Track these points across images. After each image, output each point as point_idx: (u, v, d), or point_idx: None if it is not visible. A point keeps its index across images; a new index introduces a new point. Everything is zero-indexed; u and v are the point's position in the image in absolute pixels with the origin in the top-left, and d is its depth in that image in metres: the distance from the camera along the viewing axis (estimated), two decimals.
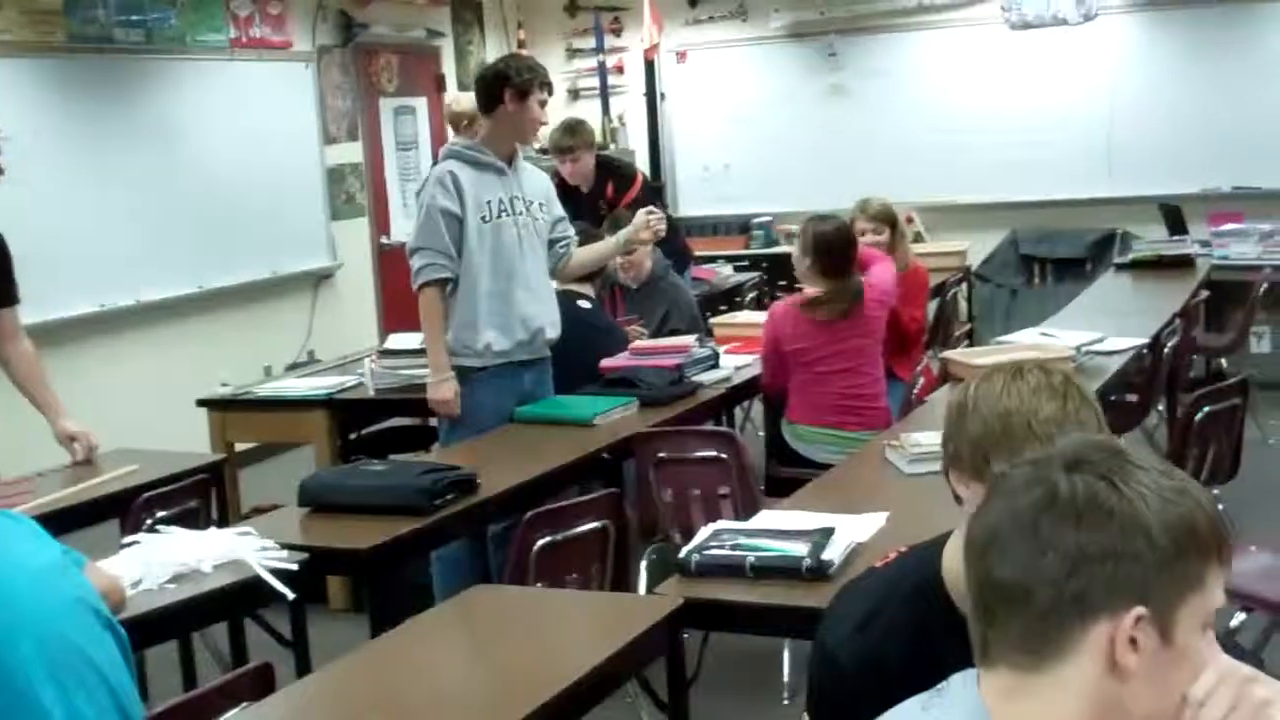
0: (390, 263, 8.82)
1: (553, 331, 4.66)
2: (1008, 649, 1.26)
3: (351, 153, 8.68)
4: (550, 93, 4.61)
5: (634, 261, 5.83)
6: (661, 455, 4.11)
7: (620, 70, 10.49)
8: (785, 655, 4.02)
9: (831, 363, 4.65)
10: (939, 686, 1.36)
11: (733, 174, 10.14)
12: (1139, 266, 6.88)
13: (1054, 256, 8.97)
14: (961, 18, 9.28)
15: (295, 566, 3.07)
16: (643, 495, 4.14)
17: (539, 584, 3.20)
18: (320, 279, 8.34)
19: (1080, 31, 8.85)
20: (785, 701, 3.99)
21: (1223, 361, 6.85)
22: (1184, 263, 6.83)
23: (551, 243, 4.75)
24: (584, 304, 5.18)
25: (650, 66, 10.20)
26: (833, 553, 2.70)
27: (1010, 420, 1.81)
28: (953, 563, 1.85)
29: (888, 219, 5.56)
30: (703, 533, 2.89)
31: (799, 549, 2.70)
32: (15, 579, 2.32)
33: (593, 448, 4.16)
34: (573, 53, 10.63)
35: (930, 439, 3.44)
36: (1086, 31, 8.84)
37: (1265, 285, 6.46)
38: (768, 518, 3.03)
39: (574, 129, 6.48)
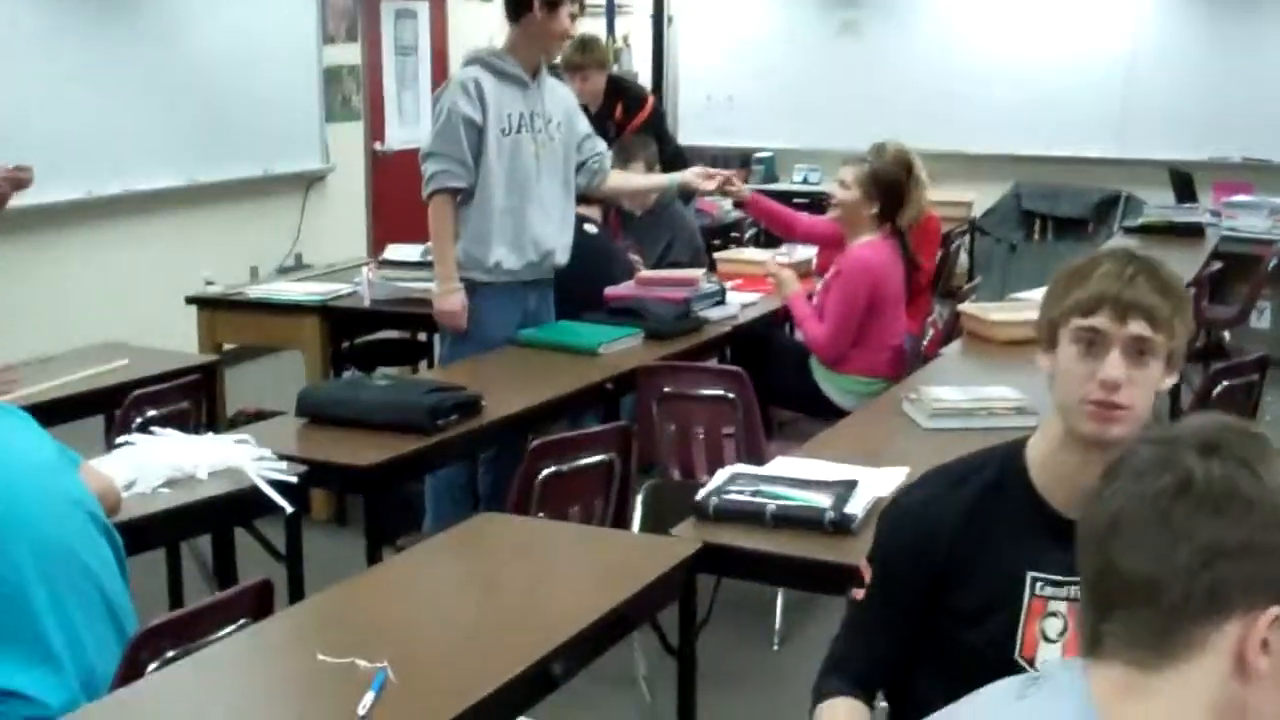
0: (384, 170, 8.65)
1: (562, 256, 4.53)
2: (1125, 644, 1.16)
3: (350, 54, 8.47)
4: (582, 7, 4.44)
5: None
6: (667, 390, 4.02)
7: None
8: (778, 601, 3.95)
9: (897, 308, 4.53)
10: (1036, 676, 1.27)
11: (736, 106, 9.96)
12: (1148, 231, 6.78)
13: (1056, 214, 8.86)
14: None
15: (295, 479, 2.97)
16: (642, 429, 4.05)
17: (540, 514, 3.11)
18: (311, 181, 8.16)
19: None
20: (775, 648, 3.93)
21: (1225, 334, 6.79)
22: (1194, 231, 6.73)
23: (582, 162, 4.61)
24: (590, 227, 5.04)
25: None
26: (856, 506, 2.61)
27: (1076, 276, 1.88)
28: (1036, 453, 1.95)
29: (904, 164, 5.42)
30: (720, 475, 2.80)
31: (822, 500, 2.61)
32: (15, 476, 2.22)
33: (596, 377, 4.07)
34: None
35: (952, 394, 3.36)
36: None
37: (1275, 260, 6.37)
38: (785, 464, 2.94)
39: (587, 46, 6.31)
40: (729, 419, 3.96)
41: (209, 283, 5.77)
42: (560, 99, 4.57)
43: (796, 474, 2.80)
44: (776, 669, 3.81)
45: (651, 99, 6.69)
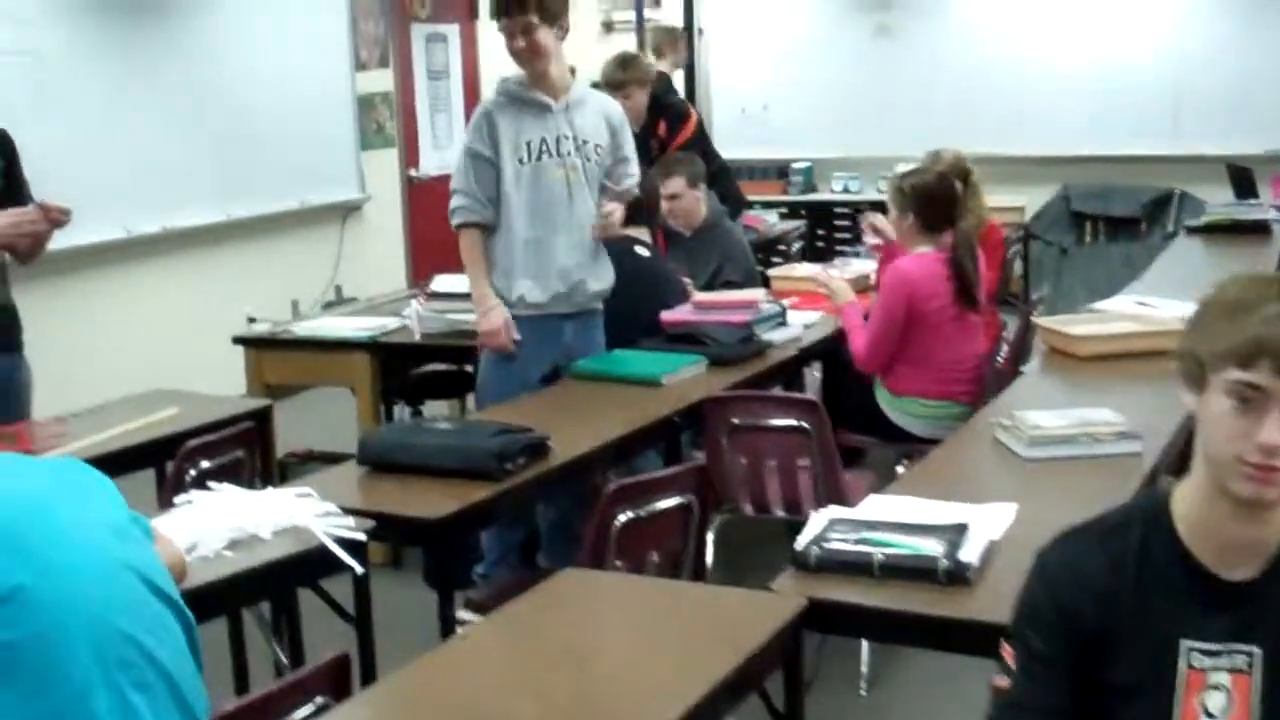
0: (419, 197, 8.52)
1: (597, 284, 4.32)
2: None
3: (382, 80, 8.36)
4: (520, 12, 4.03)
5: (684, 207, 5.53)
6: (736, 421, 3.85)
7: (657, 3, 10.12)
8: (864, 645, 3.76)
9: (956, 324, 4.36)
10: None
11: (771, 116, 9.80)
12: (1212, 230, 6.56)
13: (1107, 214, 8.66)
14: None
15: (363, 536, 2.81)
16: (711, 464, 3.88)
17: (618, 562, 2.95)
18: (348, 211, 8.05)
19: None
20: (863, 693, 3.75)
21: None
22: (1260, 228, 6.50)
23: (602, 187, 4.36)
24: (641, 250, 4.86)
25: (689, 0, 9.85)
26: (970, 553, 2.43)
27: (1234, 313, 1.68)
28: (1183, 506, 1.77)
29: (961, 172, 5.24)
30: (816, 521, 2.62)
31: (933, 547, 2.43)
32: (71, 555, 2.02)
33: (660, 409, 3.87)
34: None
35: (1049, 419, 3.17)
36: None
37: None
38: (883, 505, 2.76)
39: (627, 63, 6.18)
40: (804, 450, 3.79)
41: (251, 320, 5.64)
42: (601, 119, 4.31)
43: (898, 516, 2.62)
44: (866, 716, 3.63)
45: (695, 116, 6.54)
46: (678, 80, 9.62)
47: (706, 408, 3.88)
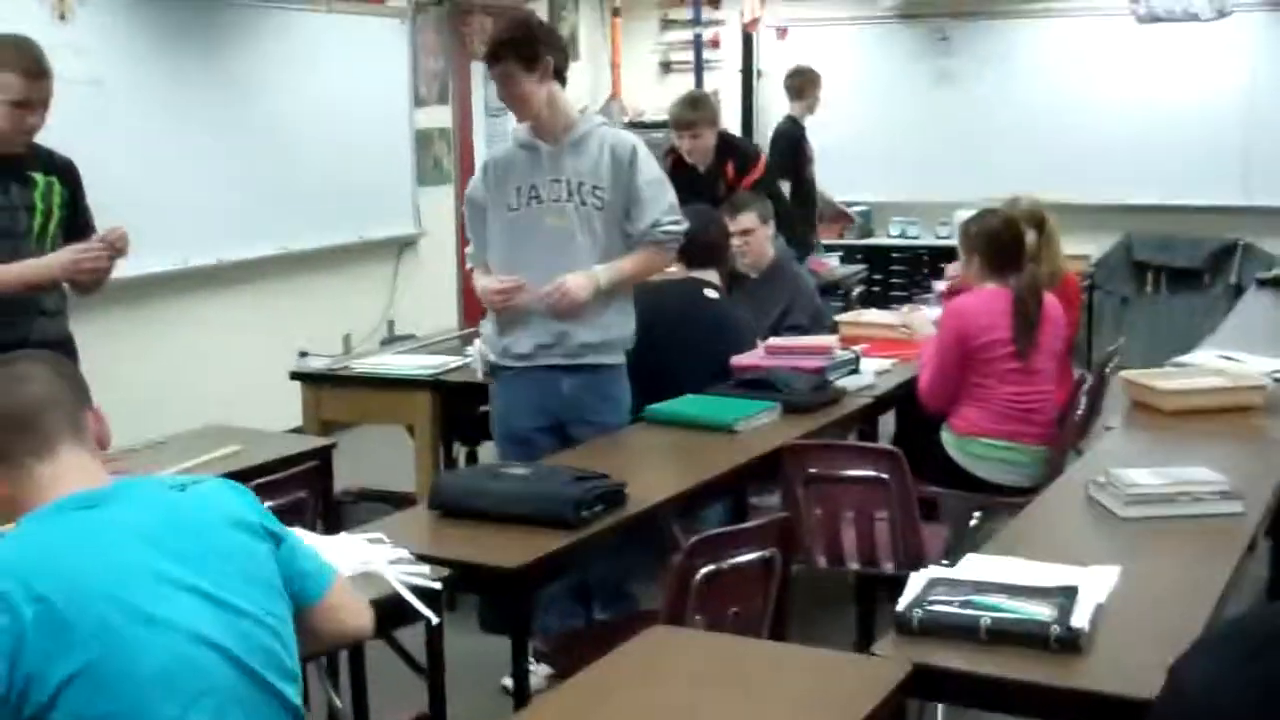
0: None
1: (590, 336, 4.05)
2: None
3: (441, 116, 8.34)
4: (495, 62, 3.93)
5: (757, 243, 5.42)
6: (812, 471, 3.73)
7: (716, 44, 10.10)
8: (939, 712, 3.62)
9: (1016, 362, 4.31)
10: None
11: (830, 159, 9.69)
12: None
13: (1170, 265, 8.52)
14: (1085, 7, 8.82)
15: (438, 586, 2.71)
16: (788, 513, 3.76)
17: (697, 617, 2.83)
18: (403, 246, 8.00)
19: (1214, 28, 8.37)
20: None
21: None
22: None
23: (627, 234, 4.08)
24: (710, 293, 4.76)
25: (748, 41, 9.81)
26: (1081, 618, 2.31)
27: None
28: None
29: (1036, 220, 5.16)
30: (916, 582, 2.51)
31: (1042, 611, 2.32)
32: (141, 639, 1.81)
33: (733, 458, 3.75)
34: (667, 23, 10.25)
35: (1146, 478, 3.04)
36: (1221, 28, 8.37)
37: None
38: (983, 566, 2.64)
39: (697, 103, 6.12)
40: (882, 502, 3.67)
41: (303, 354, 5.58)
42: (605, 157, 4.02)
43: (1001, 578, 2.50)
44: None
45: (765, 157, 6.45)
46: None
47: (784, 456, 3.77)
